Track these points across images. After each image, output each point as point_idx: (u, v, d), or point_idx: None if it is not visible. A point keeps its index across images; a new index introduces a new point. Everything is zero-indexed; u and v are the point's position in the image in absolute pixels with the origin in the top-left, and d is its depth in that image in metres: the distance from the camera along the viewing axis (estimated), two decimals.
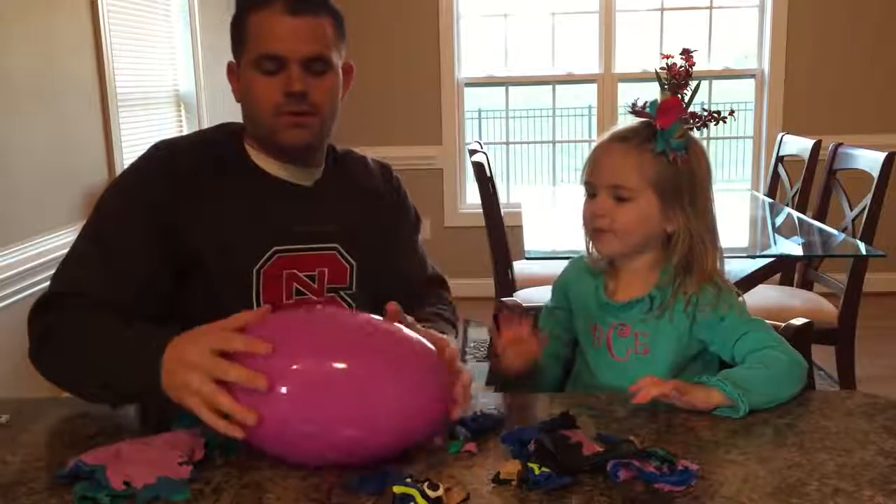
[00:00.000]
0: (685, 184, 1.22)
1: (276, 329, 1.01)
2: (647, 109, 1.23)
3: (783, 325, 1.34)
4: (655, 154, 1.20)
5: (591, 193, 1.26)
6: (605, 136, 1.27)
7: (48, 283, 1.23)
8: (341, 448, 0.97)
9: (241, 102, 1.33)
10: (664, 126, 1.20)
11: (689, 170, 1.22)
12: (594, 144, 1.29)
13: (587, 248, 1.33)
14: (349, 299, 1.37)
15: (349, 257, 1.36)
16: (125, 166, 1.37)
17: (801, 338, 1.30)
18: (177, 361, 1.02)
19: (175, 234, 1.25)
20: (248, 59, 1.27)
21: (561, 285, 1.39)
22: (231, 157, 1.33)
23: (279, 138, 1.29)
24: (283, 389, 0.95)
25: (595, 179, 1.24)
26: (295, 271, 1.31)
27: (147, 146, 1.34)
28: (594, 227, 1.25)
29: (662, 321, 1.25)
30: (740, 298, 1.27)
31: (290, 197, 1.33)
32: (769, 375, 1.16)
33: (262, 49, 1.25)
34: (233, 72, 1.33)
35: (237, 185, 1.31)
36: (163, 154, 1.31)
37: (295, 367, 0.96)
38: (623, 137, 1.24)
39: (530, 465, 0.94)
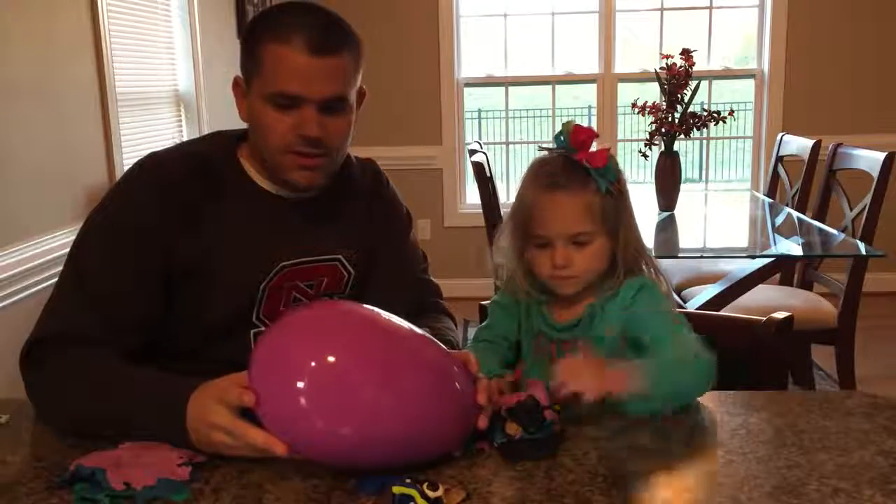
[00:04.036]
0: (622, 208, 1.24)
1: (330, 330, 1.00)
2: (560, 143, 1.21)
3: (764, 319, 1.34)
4: (599, 194, 1.20)
5: (543, 244, 1.23)
6: (539, 183, 1.22)
7: (36, 326, 1.19)
8: (376, 456, 0.96)
9: (248, 124, 1.28)
10: (599, 164, 1.19)
11: (622, 192, 1.23)
12: (526, 192, 1.24)
13: (521, 284, 1.28)
14: None
15: (350, 267, 1.36)
16: (125, 167, 1.35)
17: (783, 333, 1.31)
18: (201, 422, 1.01)
19: (167, 257, 1.21)
20: (261, 89, 1.21)
21: (509, 286, 1.35)
22: (225, 174, 1.28)
23: (286, 176, 1.25)
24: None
25: (549, 232, 1.21)
26: (297, 282, 1.30)
27: (147, 146, 1.32)
28: (556, 276, 1.23)
29: (600, 325, 1.24)
30: (665, 289, 1.26)
31: (290, 212, 1.30)
32: (674, 374, 1.14)
33: (279, 87, 1.19)
34: (239, 87, 1.28)
35: (237, 205, 1.27)
36: (149, 176, 1.25)
37: (339, 372, 0.95)
38: (562, 185, 1.20)
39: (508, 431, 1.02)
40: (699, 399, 1.18)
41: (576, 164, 1.20)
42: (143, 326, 1.22)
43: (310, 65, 1.18)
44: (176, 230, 1.22)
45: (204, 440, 1.01)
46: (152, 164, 1.27)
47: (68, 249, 1.25)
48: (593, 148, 1.21)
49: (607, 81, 4.57)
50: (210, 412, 1.00)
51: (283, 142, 1.22)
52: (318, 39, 1.19)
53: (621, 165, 1.26)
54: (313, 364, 0.94)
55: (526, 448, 1.01)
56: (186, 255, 1.22)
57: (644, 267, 1.27)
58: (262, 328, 1.28)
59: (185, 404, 1.03)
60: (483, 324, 1.38)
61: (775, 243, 2.88)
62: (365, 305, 1.07)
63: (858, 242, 2.66)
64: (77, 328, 1.17)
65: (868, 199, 2.76)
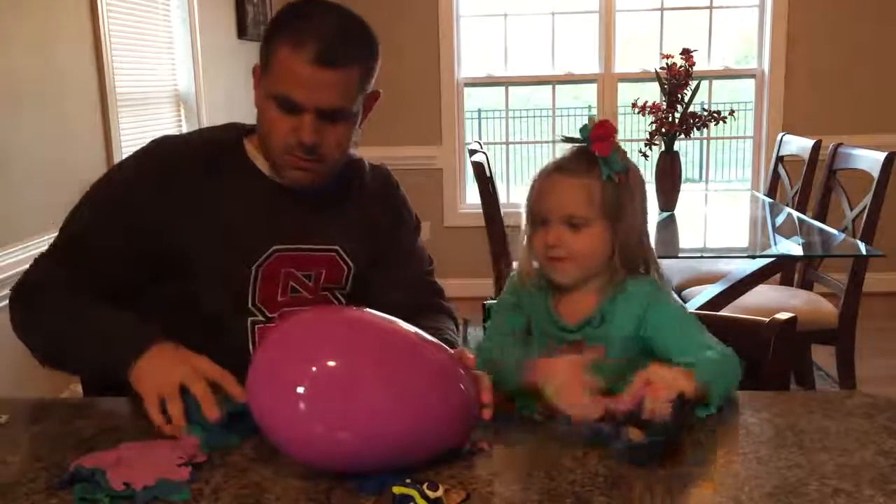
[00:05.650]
0: (628, 201, 1.25)
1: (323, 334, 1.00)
2: (580, 135, 1.23)
3: (768, 320, 1.34)
4: (601, 181, 1.22)
5: (540, 223, 1.25)
6: (547, 167, 1.26)
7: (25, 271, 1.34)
8: (384, 456, 0.95)
9: (257, 112, 1.31)
10: (603, 154, 1.21)
11: (630, 187, 1.25)
12: (535, 176, 1.27)
13: (525, 267, 1.31)
14: (343, 299, 1.37)
15: (349, 260, 1.36)
16: None
17: (787, 334, 1.31)
18: (149, 369, 1.12)
19: (156, 235, 1.25)
20: (268, 86, 1.24)
21: (515, 288, 1.36)
22: (233, 158, 1.32)
23: (283, 174, 1.29)
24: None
25: (546, 211, 1.23)
26: (293, 270, 1.31)
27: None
28: (551, 256, 1.24)
29: (611, 326, 1.24)
30: (672, 292, 1.28)
31: (290, 199, 1.32)
32: (723, 374, 1.16)
33: (282, 89, 1.22)
34: (256, 75, 1.30)
35: (236, 185, 1.30)
36: (159, 151, 1.32)
37: (340, 374, 0.95)
38: (567, 169, 1.23)
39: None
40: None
41: (586, 152, 1.23)
42: (117, 290, 1.27)
43: (314, 75, 1.20)
44: (173, 209, 1.26)
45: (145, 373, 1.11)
46: (158, 145, 1.33)
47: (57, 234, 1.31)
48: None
49: (607, 81, 4.57)
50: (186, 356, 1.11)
51: (282, 142, 1.25)
52: (329, 50, 1.20)
53: None
54: (313, 369, 0.94)
55: (651, 450, 0.99)
56: (184, 235, 1.25)
57: (650, 268, 1.28)
58: (260, 316, 1.30)
59: (152, 342, 1.14)
60: (487, 327, 1.38)
61: (775, 243, 2.88)
62: (365, 309, 1.06)
63: (858, 242, 2.66)
64: (56, 278, 1.28)
65: (868, 199, 2.76)
